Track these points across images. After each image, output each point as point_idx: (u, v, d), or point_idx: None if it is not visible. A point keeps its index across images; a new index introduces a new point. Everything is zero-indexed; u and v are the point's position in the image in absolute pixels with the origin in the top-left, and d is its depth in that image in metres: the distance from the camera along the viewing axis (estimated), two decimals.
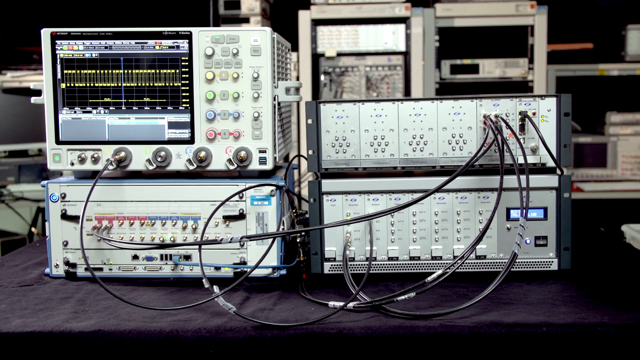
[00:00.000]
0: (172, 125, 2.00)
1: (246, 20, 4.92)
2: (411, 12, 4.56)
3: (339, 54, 4.64)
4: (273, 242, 1.87)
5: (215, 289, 1.70)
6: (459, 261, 1.74)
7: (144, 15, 4.91)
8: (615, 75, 4.82)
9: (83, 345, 1.60)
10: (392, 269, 1.99)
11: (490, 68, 4.69)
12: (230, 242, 1.74)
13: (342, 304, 1.71)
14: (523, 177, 1.79)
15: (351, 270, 1.97)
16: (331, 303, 1.74)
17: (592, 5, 5.37)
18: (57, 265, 2.05)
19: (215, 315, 1.69)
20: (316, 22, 4.62)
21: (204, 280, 1.73)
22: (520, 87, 4.66)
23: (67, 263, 2.04)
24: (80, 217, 1.93)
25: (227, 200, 1.94)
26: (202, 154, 1.99)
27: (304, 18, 4.62)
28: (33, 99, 2.07)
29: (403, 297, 1.68)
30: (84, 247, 2.01)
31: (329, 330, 1.60)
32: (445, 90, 4.70)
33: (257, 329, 1.61)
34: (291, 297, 1.85)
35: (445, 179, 1.81)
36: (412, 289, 1.69)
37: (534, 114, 1.94)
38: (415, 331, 1.59)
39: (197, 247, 1.98)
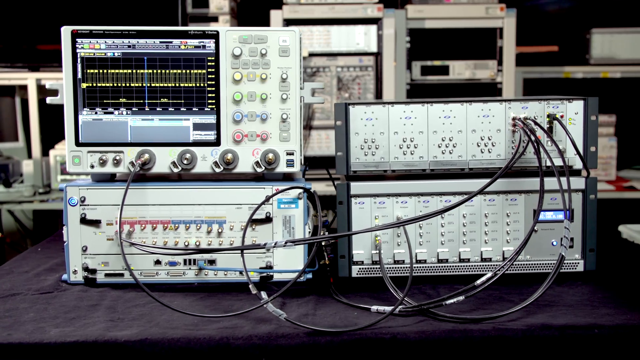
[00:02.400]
0: (197, 126, 1.96)
1: (215, 19, 4.85)
2: (383, 13, 4.57)
3: (311, 54, 4.62)
4: (314, 246, 1.83)
5: (263, 294, 1.66)
6: (508, 263, 1.75)
7: (111, 12, 4.79)
8: (580, 77, 4.92)
9: (129, 354, 1.54)
10: (421, 272, 1.98)
11: (460, 69, 4.72)
12: (274, 246, 1.71)
13: (387, 308, 1.69)
14: (555, 179, 1.81)
15: (379, 273, 1.96)
16: (374, 307, 1.73)
17: (558, 9, 5.46)
18: (75, 271, 1.98)
19: (260, 322, 1.66)
20: (288, 22, 4.59)
21: (250, 286, 1.69)
22: (489, 89, 4.71)
23: (86, 269, 1.97)
24: (118, 221, 1.88)
25: (264, 203, 1.92)
26: (229, 156, 1.95)
27: (276, 18, 4.58)
28: (49, 99, 1.99)
29: (452, 301, 1.68)
30: (106, 252, 1.96)
31: (383, 335, 1.58)
32: (416, 91, 4.72)
33: (310, 335, 1.58)
34: (327, 302, 1.83)
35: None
36: (461, 292, 1.68)
37: (561, 116, 1.96)
38: (469, 335, 1.58)
39: (229, 251, 1.94)
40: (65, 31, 1.93)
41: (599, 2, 5.35)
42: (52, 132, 4.92)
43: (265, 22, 4.65)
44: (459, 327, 1.60)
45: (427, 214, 1.77)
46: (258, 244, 1.82)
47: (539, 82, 5.02)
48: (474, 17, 4.66)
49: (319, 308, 1.77)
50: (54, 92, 1.98)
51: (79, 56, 1.93)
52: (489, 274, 1.70)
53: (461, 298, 1.68)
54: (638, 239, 2.50)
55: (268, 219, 1.96)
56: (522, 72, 4.86)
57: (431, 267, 1.98)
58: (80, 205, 1.95)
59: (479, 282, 1.69)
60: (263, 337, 1.57)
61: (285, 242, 1.72)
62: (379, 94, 4.63)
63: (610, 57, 4.90)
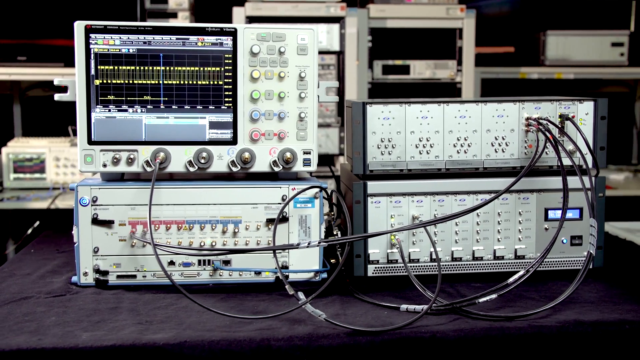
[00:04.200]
0: (213, 125, 1.92)
1: (174, 15, 4.77)
2: (346, 12, 4.57)
3: None
4: (346, 247, 1.82)
5: (301, 295, 1.65)
6: (540, 260, 1.78)
7: (67, 6, 4.66)
8: (535, 78, 5.02)
9: (168, 357, 1.51)
10: (435, 270, 1.99)
11: (421, 69, 4.77)
12: (307, 246, 1.70)
13: (417, 307, 1.70)
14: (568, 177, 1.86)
15: (395, 272, 1.97)
16: (403, 306, 1.73)
17: (514, 11, 5.56)
18: (86, 273, 1.92)
19: (295, 323, 1.64)
20: (251, 20, 4.55)
21: (287, 286, 1.67)
22: (448, 89, 4.76)
23: (97, 271, 1.91)
24: (148, 221, 1.82)
25: (288, 203, 1.90)
26: (247, 155, 1.92)
27: (238, 15, 4.54)
28: (57, 96, 1.93)
29: (485, 299, 1.69)
30: (118, 254, 1.91)
31: (422, 334, 1.59)
32: (377, 90, 4.74)
33: (350, 335, 1.57)
34: (352, 301, 1.82)
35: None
36: (494, 290, 1.70)
37: (573, 117, 2.00)
38: (505, 332, 1.60)
39: (251, 251, 1.93)
40: (79, 26, 1.87)
41: (553, 4, 5.47)
42: (2, 130, 4.78)
43: (226, 19, 4.59)
44: (495, 325, 1.62)
45: (457, 212, 1.79)
46: (291, 244, 1.80)
47: (496, 82, 5.11)
48: (435, 18, 4.70)
49: (346, 308, 1.76)
50: (63, 89, 1.92)
51: (92, 52, 1.87)
52: (521, 272, 1.73)
53: (494, 296, 1.70)
54: (629, 237, 2.57)
55: (284, 219, 1.95)
56: (480, 72, 4.93)
57: (445, 265, 2.00)
58: (92, 205, 1.90)
59: (511, 280, 1.72)
60: (304, 338, 1.56)
61: (319, 242, 1.70)
62: (341, 92, 4.63)
63: (564, 58, 5.01)
